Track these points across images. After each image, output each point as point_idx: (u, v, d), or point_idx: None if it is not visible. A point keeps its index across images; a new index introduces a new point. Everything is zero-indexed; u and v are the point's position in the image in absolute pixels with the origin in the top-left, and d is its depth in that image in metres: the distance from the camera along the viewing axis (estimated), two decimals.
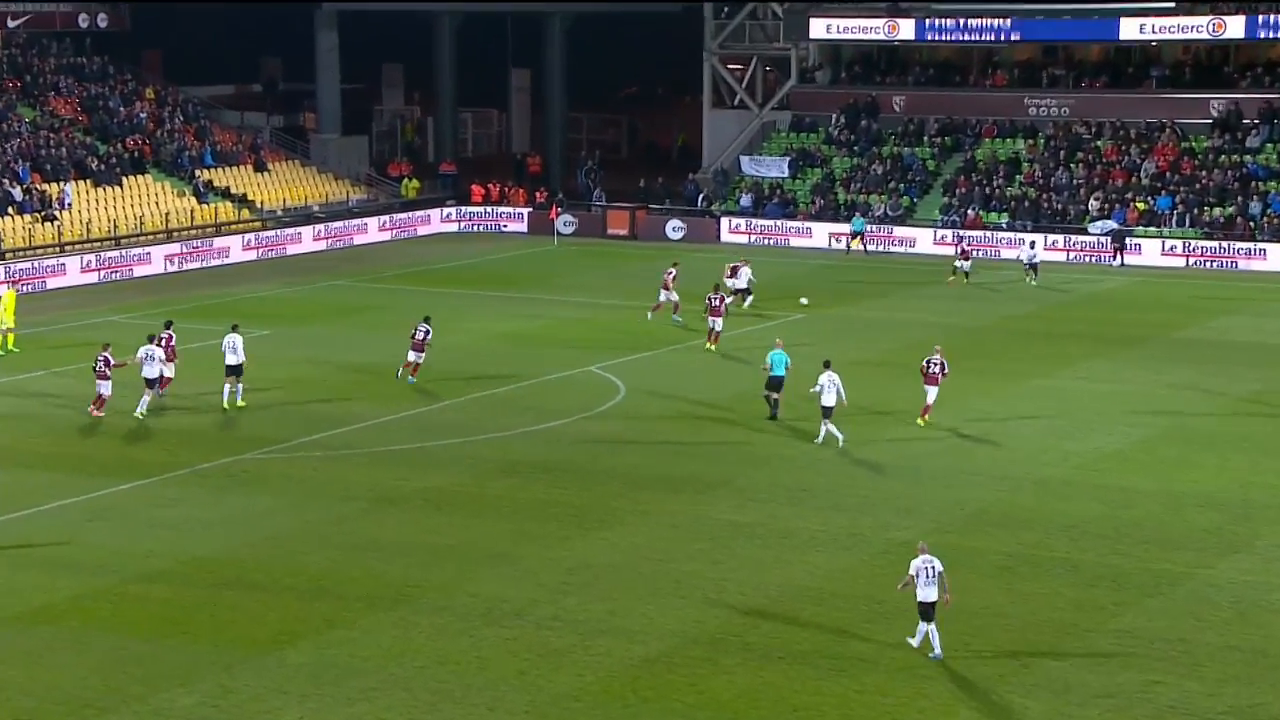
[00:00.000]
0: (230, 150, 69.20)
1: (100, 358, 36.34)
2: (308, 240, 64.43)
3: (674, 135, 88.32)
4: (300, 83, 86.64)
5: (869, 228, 62.69)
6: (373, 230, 67.10)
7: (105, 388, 36.19)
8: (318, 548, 27.78)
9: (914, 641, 23.13)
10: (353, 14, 78.11)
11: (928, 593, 22.87)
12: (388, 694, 21.79)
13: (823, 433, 34.15)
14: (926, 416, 35.69)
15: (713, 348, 43.33)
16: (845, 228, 63.87)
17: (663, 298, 47.62)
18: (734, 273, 49.95)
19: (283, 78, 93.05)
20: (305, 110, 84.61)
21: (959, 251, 56.64)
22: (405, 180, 72.83)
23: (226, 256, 60.99)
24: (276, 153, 71.78)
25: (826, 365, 34.63)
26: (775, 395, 36.25)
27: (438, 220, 69.81)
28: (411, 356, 39.60)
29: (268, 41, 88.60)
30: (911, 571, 23.09)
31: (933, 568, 22.92)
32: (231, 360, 37.03)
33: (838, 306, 51.04)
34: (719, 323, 43.56)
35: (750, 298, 50.11)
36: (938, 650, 22.80)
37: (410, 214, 69.46)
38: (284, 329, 47.40)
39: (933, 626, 22.88)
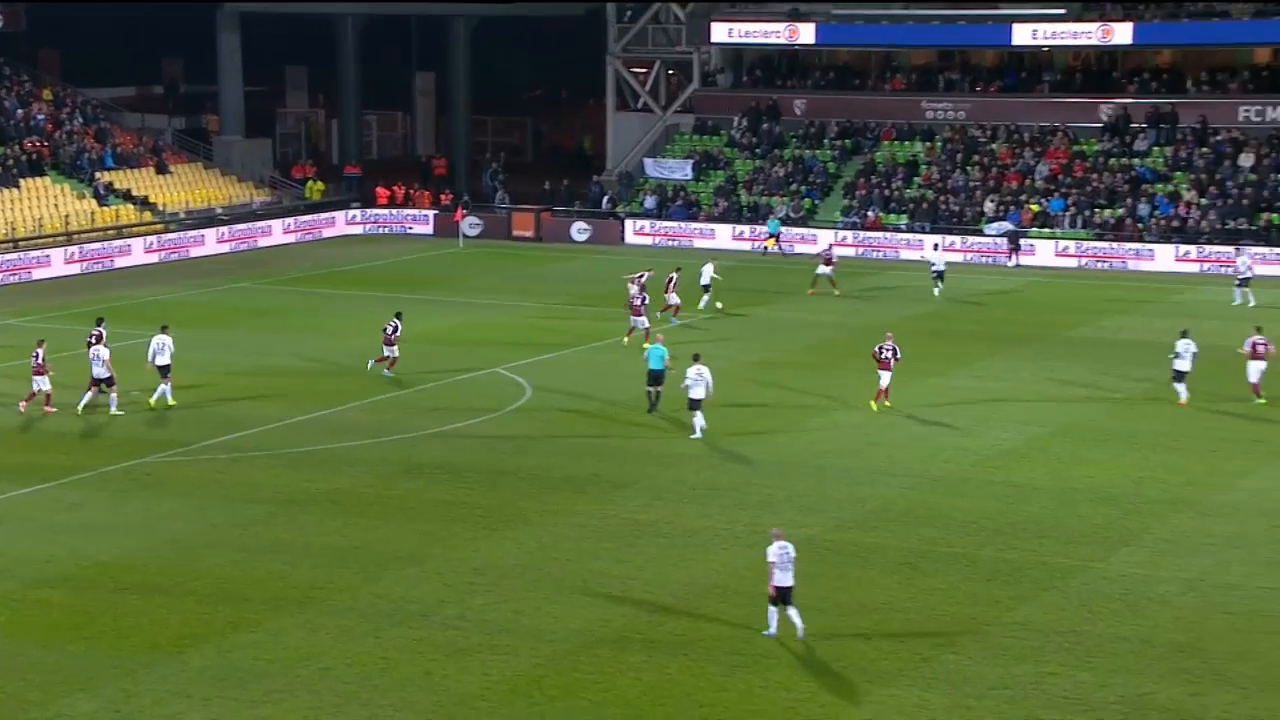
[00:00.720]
0: (131, 152, 68.17)
1: (36, 354, 36.37)
2: (211, 243, 63.66)
3: (578, 138, 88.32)
4: (202, 85, 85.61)
5: (783, 229, 62.88)
6: (277, 232, 66.43)
7: (43, 383, 36.13)
8: (222, 550, 27.43)
9: (771, 631, 23.44)
10: (255, 16, 77.25)
11: (784, 578, 23.30)
12: (293, 696, 21.56)
13: (697, 427, 34.36)
14: (885, 400, 37.14)
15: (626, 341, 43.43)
16: (749, 230, 64.15)
17: (672, 299, 47.92)
18: (668, 285, 48.65)
19: (184, 80, 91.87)
20: (208, 113, 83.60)
21: (822, 257, 54.41)
22: (310, 182, 72.18)
23: (129, 259, 60.09)
24: (179, 155, 70.83)
25: (696, 359, 34.89)
26: (654, 389, 36.36)
27: (343, 222, 69.26)
28: (386, 352, 40.10)
29: (169, 43, 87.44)
30: (770, 558, 23.42)
31: (788, 553, 23.33)
32: (162, 361, 37.04)
33: (743, 307, 51.23)
34: (642, 321, 43.45)
35: (707, 296, 50.27)
36: (800, 632, 23.21)
37: (315, 216, 68.85)
38: (188, 332, 46.70)
39: (793, 610, 23.28)
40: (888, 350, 37.28)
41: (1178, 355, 37.90)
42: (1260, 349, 38.09)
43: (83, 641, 23.39)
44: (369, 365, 40.72)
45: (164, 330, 37.67)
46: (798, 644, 23.23)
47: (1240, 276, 52.23)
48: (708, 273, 50.73)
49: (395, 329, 40.35)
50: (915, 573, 26.40)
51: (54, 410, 36.27)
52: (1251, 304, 50.99)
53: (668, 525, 28.85)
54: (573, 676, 22.29)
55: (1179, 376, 37.77)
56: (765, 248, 62.10)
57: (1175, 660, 22.78)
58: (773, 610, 23.53)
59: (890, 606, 24.84)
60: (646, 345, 41.90)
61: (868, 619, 24.29)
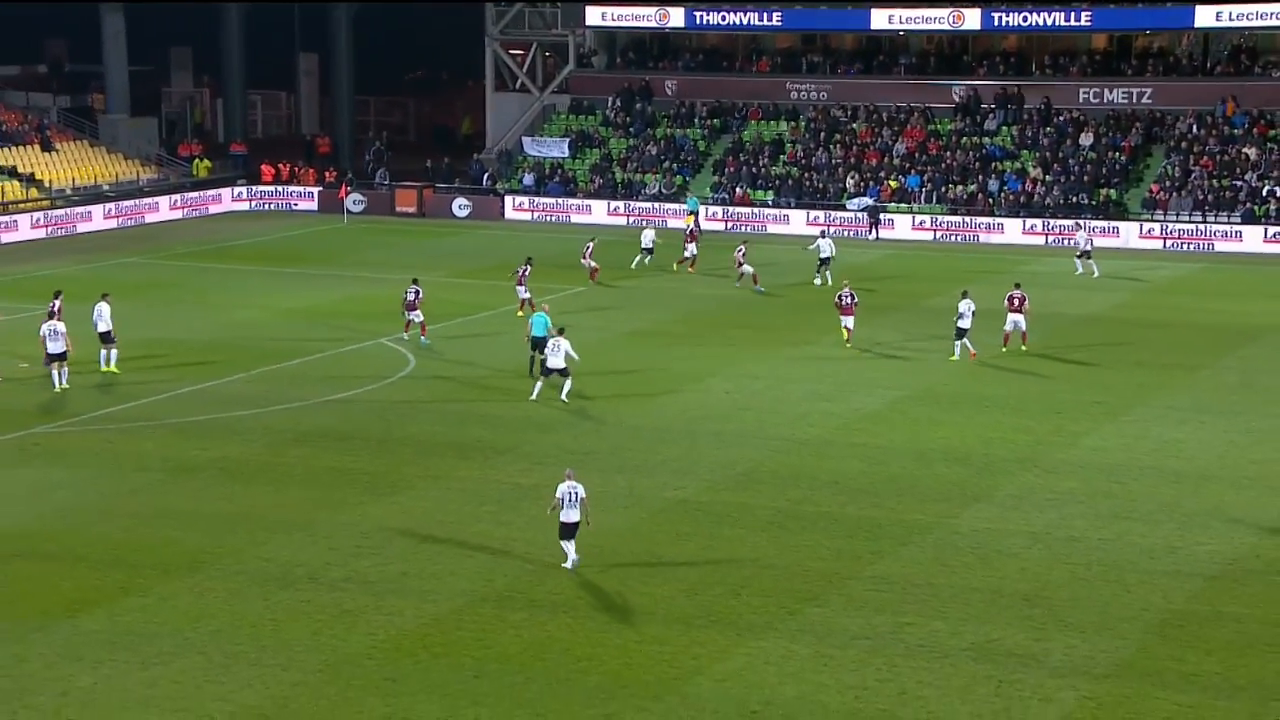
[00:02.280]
0: (16, 130, 66.30)
1: None
2: (98, 219, 62.20)
3: (459, 118, 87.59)
4: (87, 64, 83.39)
5: (701, 207, 62.53)
6: (164, 209, 65.11)
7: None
8: (112, 518, 26.94)
9: (568, 564, 24.24)
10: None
11: (571, 514, 24.18)
12: (183, 657, 21.27)
13: (565, 389, 34.62)
14: (849, 342, 40.33)
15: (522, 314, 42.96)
16: (623, 205, 64.13)
17: (688, 251, 51.22)
18: (585, 253, 50.02)
19: (69, 59, 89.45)
20: (93, 92, 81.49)
21: (687, 233, 54.15)
22: (197, 160, 70.76)
23: (15, 234, 58.50)
24: (65, 133, 69.01)
25: (560, 332, 35.02)
26: (534, 354, 36.32)
27: (229, 199, 68.07)
28: (412, 316, 40.23)
29: (51, 22, 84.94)
30: (558, 495, 24.24)
31: (575, 493, 24.16)
32: (102, 328, 36.79)
33: (622, 280, 51.26)
34: (522, 291, 43.48)
35: (650, 257, 52.27)
36: (573, 559, 24.26)
37: (201, 193, 67.57)
38: (76, 306, 45.56)
39: (571, 543, 24.23)
40: (846, 296, 40.48)
41: (960, 315, 38.93)
42: (1017, 303, 39.63)
43: None
44: (405, 337, 40.50)
45: (104, 298, 37.56)
46: (682, 604, 23.36)
47: (1080, 249, 53.32)
48: (649, 236, 53.29)
49: (417, 293, 40.36)
50: (783, 531, 26.68)
51: None
52: (1096, 274, 52.10)
53: (548, 489, 28.67)
54: (456, 635, 22.24)
55: (960, 334, 38.88)
56: (687, 226, 61.67)
57: (1021, 608, 23.29)
58: (564, 544, 24.48)
59: (759, 563, 25.08)
60: (520, 314, 41.98)
61: (738, 575, 24.51)
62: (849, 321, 40.47)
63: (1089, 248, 53.17)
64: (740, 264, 49.40)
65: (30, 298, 43.65)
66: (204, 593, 23.54)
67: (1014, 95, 66.31)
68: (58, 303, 36.95)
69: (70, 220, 61.24)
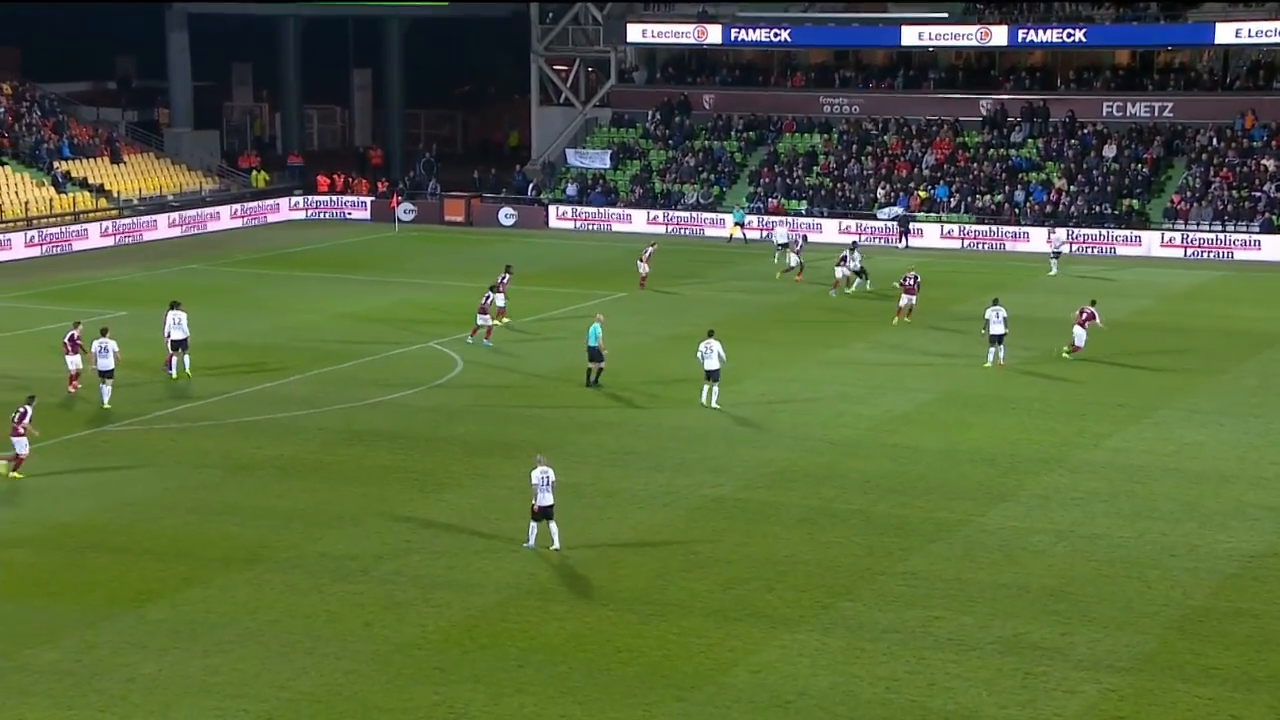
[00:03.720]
0: (87, 143, 66.90)
1: (68, 335, 35.52)
2: (163, 227, 62.67)
3: (505, 131, 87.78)
4: (153, 80, 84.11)
5: (749, 218, 62.42)
6: (225, 218, 65.51)
7: (73, 363, 35.08)
8: (176, 513, 27.12)
9: (530, 544, 24.53)
10: (203, 15, 76.00)
11: (546, 497, 24.68)
12: (242, 646, 21.40)
13: (704, 394, 34.48)
14: (905, 318, 43.38)
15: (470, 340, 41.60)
16: (662, 214, 64.17)
17: (792, 260, 51.16)
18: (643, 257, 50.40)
19: (136, 75, 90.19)
20: (159, 106, 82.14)
21: (792, 247, 53.48)
22: (255, 172, 71.20)
23: (85, 242, 59.05)
24: (132, 146, 69.57)
25: (710, 334, 34.99)
26: (590, 365, 36.32)
27: (286, 209, 68.42)
28: (480, 321, 40.51)
29: (121, 40, 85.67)
30: (534, 482, 24.71)
31: (548, 477, 24.65)
32: (177, 335, 36.53)
33: (655, 287, 51.22)
34: (485, 320, 41.37)
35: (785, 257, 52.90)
36: (556, 543, 24.67)
37: (260, 203, 67.95)
38: (141, 310, 46.02)
39: (554, 524, 24.71)
40: (911, 278, 44.00)
41: (988, 322, 38.71)
42: (1084, 317, 39.60)
43: (46, 597, 23.07)
44: (469, 340, 40.63)
45: (175, 306, 37.15)
46: (719, 599, 23.33)
47: (1054, 249, 54.15)
48: (782, 235, 54.60)
49: (489, 298, 40.54)
50: (815, 528, 26.60)
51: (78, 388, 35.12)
52: (1054, 273, 52.88)
53: (589, 487, 28.86)
54: (501, 626, 22.27)
55: (995, 340, 38.54)
56: (730, 236, 61.73)
57: (1047, 603, 23.14)
58: (533, 526, 24.92)
59: (793, 559, 25.01)
60: (498, 323, 41.83)
61: (772, 570, 24.45)
62: (906, 300, 43.55)
63: (1060, 249, 54.22)
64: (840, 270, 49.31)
65: (100, 302, 44.01)
66: (262, 585, 23.66)
67: (1040, 109, 65.94)
68: (76, 332, 35.73)
69: (137, 229, 61.73)
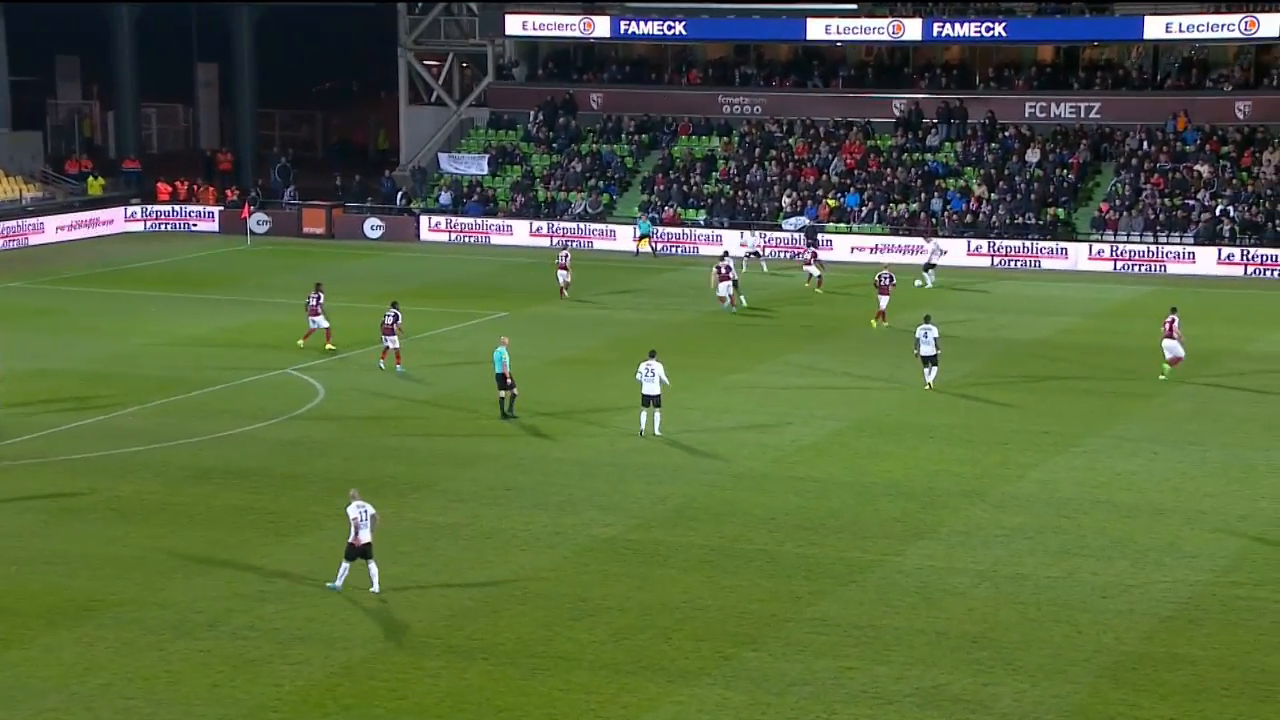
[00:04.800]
0: None
1: None
2: None
3: (370, 132, 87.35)
4: None
5: (656, 229, 62.69)
6: (50, 230, 64.39)
7: None
8: None
9: (337, 584, 25.12)
10: (19, 3, 74.49)
11: (365, 534, 25.14)
12: (69, 714, 20.98)
13: (654, 423, 34.49)
14: (883, 321, 46.18)
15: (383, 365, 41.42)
16: (545, 225, 64.26)
17: (722, 291, 49.83)
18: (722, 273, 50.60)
19: None
20: None
21: (805, 259, 55.78)
22: (90, 178, 70.02)
23: None
24: None
25: (651, 354, 34.99)
26: (502, 393, 36.23)
27: (122, 219, 67.42)
28: (388, 343, 40.26)
29: None
30: (353, 516, 25.12)
31: (366, 511, 25.19)
32: None
33: (539, 305, 51.25)
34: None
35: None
36: (375, 585, 25.03)
37: (92, 213, 66.87)
38: None
39: (373, 564, 25.09)
40: (885, 277, 46.79)
41: (918, 341, 39.33)
42: (1169, 328, 40.51)
43: None
44: (380, 364, 40.50)
45: None
46: (610, 650, 23.34)
47: (927, 261, 55.45)
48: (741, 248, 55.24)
49: (396, 317, 40.30)
50: (716, 570, 26.73)
51: None
52: (929, 285, 54.04)
53: (466, 527, 28.75)
54: (368, 684, 22.07)
55: (927, 361, 39.23)
56: (637, 249, 61.81)
57: (969, 651, 23.46)
58: (345, 565, 25.21)
59: (692, 604, 25.11)
60: (301, 344, 42.05)
61: (669, 617, 24.52)
62: (884, 302, 46.47)
63: (936, 259, 55.49)
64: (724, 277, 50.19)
65: None
66: (94, 643, 23.22)
67: (957, 109, 67.13)
68: None
69: None
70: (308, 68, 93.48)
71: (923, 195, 63.88)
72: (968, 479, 32.11)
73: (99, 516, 29.19)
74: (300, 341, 43.34)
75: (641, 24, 69.89)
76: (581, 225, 64.50)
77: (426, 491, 30.91)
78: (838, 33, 68.10)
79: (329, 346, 43.05)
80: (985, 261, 60.36)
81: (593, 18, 70.20)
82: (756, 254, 57.34)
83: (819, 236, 61.61)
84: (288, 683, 22.05)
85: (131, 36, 77.22)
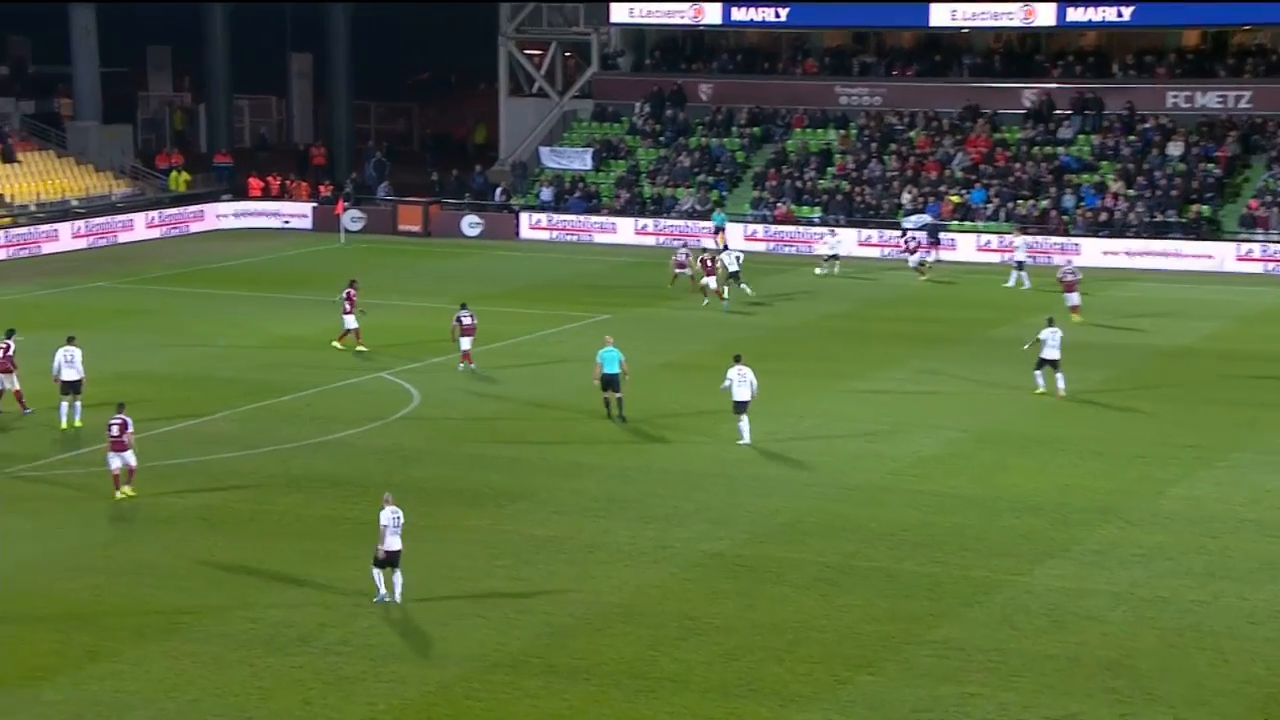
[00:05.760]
0: None
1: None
2: (66, 238, 62.75)
3: (468, 125, 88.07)
4: (54, 65, 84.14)
5: (728, 223, 63.02)
6: (139, 227, 65.63)
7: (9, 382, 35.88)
8: (78, 574, 27.04)
9: (382, 595, 25.50)
10: None
11: (394, 542, 25.53)
12: None
13: (744, 433, 34.75)
14: (1076, 316, 47.15)
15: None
16: (652, 223, 64.40)
17: (710, 283, 51.19)
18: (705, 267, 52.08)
19: (33, 59, 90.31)
20: (60, 95, 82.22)
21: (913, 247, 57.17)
22: (175, 173, 71.33)
23: None
24: (28, 142, 69.68)
25: (737, 359, 35.13)
26: (613, 395, 36.44)
27: (212, 216, 68.59)
28: (465, 344, 41.09)
29: (14, 17, 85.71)
30: (383, 522, 25.49)
31: (399, 518, 25.65)
32: (69, 375, 35.67)
33: (644, 307, 51.36)
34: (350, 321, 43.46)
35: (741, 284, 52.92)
36: (398, 596, 25.51)
37: (181, 209, 68.12)
38: (39, 336, 45.98)
39: (399, 573, 25.53)
40: (1068, 273, 49.24)
41: (1043, 343, 38.95)
42: None
43: None
44: (461, 368, 41.38)
45: (70, 341, 36.30)
46: (719, 671, 23.33)
47: (1017, 259, 55.25)
48: (731, 261, 53.41)
49: (473, 317, 41.50)
50: (831, 588, 26.61)
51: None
52: (1026, 287, 53.76)
53: (568, 541, 28.86)
54: (465, 705, 22.23)
55: (1042, 364, 38.90)
56: (716, 244, 61.98)
57: (1103, 679, 23.15)
58: (377, 573, 25.57)
59: (805, 625, 25.01)
60: (337, 345, 43.19)
61: (781, 639, 24.44)
62: (1075, 298, 48.32)
63: (1026, 258, 55.46)
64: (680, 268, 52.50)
65: None
66: (182, 658, 23.59)
67: (1092, 100, 66.29)
68: (11, 344, 36.60)
69: (34, 240, 61.80)
70: (404, 59, 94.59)
71: (1053, 191, 63.17)
72: (1102, 494, 31.71)
73: (188, 526, 29.68)
74: (337, 343, 43.68)
75: (754, 10, 69.85)
76: (689, 223, 64.50)
77: (526, 502, 31.08)
78: (964, 18, 67.58)
79: (359, 347, 43.52)
80: (1122, 262, 59.51)
81: (703, 4, 70.26)
82: (836, 256, 57.01)
83: (940, 235, 61.23)
84: (381, 701, 22.26)
85: (224, 26, 78.43)
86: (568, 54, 75.92)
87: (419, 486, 31.97)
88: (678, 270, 53.35)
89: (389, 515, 25.62)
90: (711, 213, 63.45)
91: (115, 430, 30.80)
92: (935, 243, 61.10)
